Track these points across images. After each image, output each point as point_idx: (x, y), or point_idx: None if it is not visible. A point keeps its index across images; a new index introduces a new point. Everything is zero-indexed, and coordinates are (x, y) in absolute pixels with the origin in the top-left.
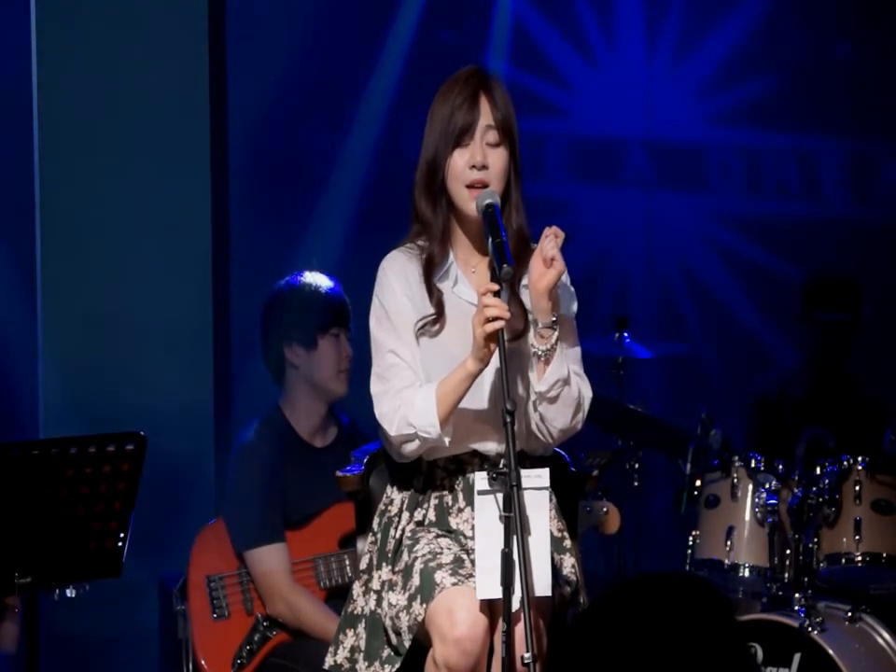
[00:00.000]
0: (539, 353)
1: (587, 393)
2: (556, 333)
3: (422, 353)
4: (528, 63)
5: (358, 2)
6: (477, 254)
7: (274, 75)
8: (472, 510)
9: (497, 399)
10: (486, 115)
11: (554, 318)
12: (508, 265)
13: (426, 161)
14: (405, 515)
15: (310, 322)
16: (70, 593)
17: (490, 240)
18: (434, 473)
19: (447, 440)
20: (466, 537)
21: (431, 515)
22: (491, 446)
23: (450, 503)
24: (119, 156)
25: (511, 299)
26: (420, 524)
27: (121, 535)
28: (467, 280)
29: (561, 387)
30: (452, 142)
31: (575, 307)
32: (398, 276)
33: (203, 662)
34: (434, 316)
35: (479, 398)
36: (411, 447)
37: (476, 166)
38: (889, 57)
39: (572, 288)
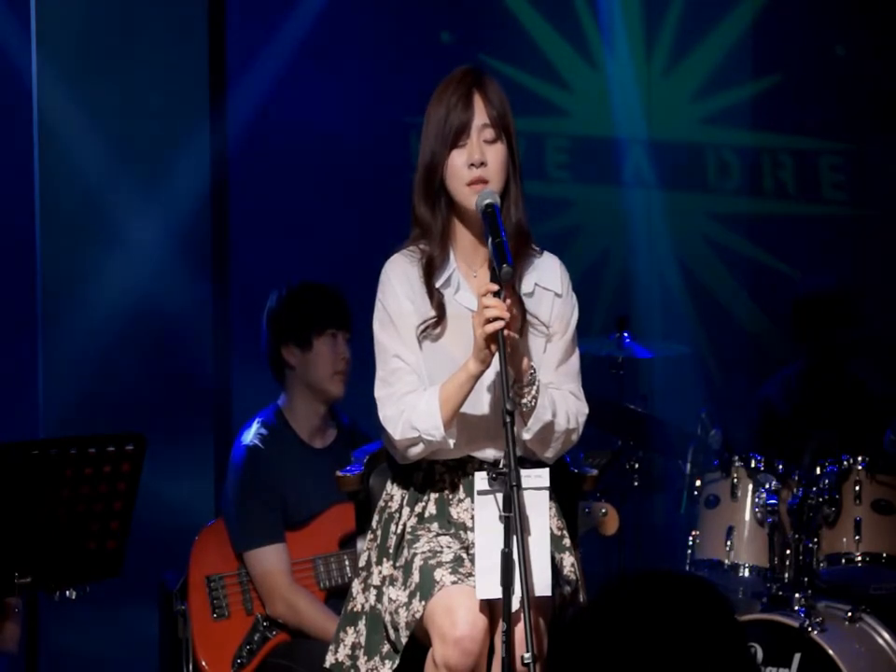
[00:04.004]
0: (521, 405)
1: (583, 410)
2: (536, 386)
3: (424, 357)
4: (528, 63)
5: (358, 2)
6: (479, 256)
7: (274, 76)
8: (472, 500)
9: (497, 404)
10: (481, 113)
11: (532, 372)
12: (508, 265)
13: (423, 165)
14: (406, 511)
15: (306, 322)
16: (70, 594)
17: (490, 240)
18: (434, 469)
19: (451, 442)
20: (466, 528)
21: (432, 508)
22: (490, 453)
23: (450, 496)
24: (119, 156)
25: (511, 296)
26: (421, 517)
27: (121, 535)
28: (468, 286)
29: (546, 431)
30: (448, 143)
31: (576, 317)
32: (400, 280)
33: (203, 662)
34: (435, 319)
35: (479, 403)
36: (415, 450)
37: (475, 164)
38: (887, 57)
39: (574, 298)
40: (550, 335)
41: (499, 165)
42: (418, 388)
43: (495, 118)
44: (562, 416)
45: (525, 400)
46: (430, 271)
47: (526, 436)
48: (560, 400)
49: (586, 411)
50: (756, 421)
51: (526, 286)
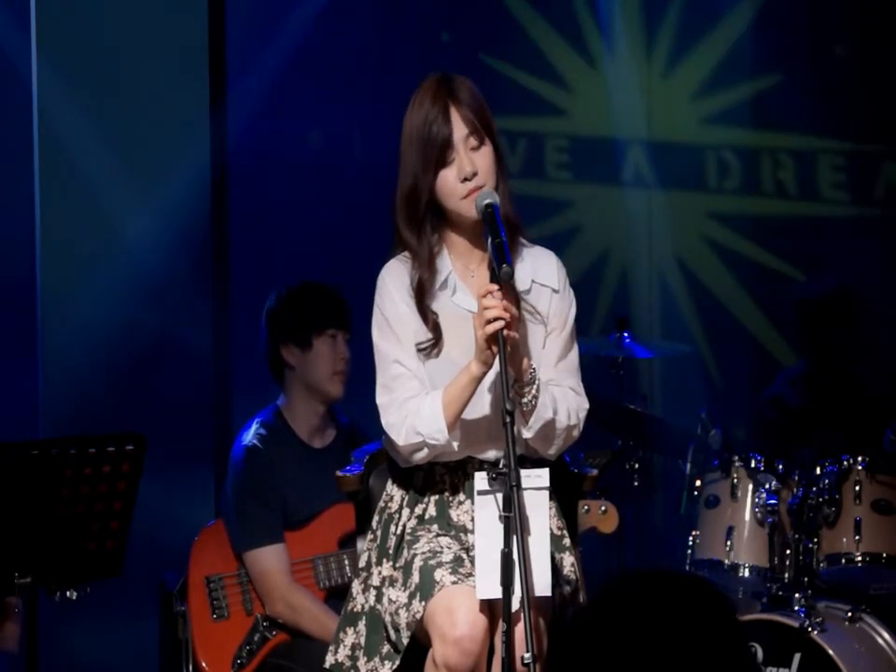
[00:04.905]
0: (521, 404)
1: (583, 405)
2: (536, 384)
3: (425, 364)
4: (528, 63)
5: (358, 1)
6: (475, 256)
7: (274, 76)
8: (472, 502)
9: (498, 404)
10: (460, 125)
11: (532, 371)
12: (507, 265)
13: (406, 189)
14: (405, 511)
15: (306, 322)
16: (70, 594)
17: (490, 240)
18: (434, 471)
19: (456, 444)
20: (467, 530)
21: (432, 510)
22: (491, 453)
23: (450, 498)
24: (119, 156)
25: (509, 295)
26: (421, 518)
27: (121, 535)
28: (466, 287)
29: (548, 429)
30: (434, 165)
31: (573, 312)
32: (396, 285)
33: (202, 662)
34: (432, 341)
35: (479, 404)
36: (420, 455)
37: (467, 177)
38: (888, 56)
39: (572, 293)
40: (548, 331)
41: (489, 167)
42: (420, 393)
43: (475, 123)
44: (563, 413)
45: (525, 399)
46: (421, 293)
47: (528, 434)
48: (560, 397)
49: (587, 406)
50: (772, 420)
51: (524, 282)
